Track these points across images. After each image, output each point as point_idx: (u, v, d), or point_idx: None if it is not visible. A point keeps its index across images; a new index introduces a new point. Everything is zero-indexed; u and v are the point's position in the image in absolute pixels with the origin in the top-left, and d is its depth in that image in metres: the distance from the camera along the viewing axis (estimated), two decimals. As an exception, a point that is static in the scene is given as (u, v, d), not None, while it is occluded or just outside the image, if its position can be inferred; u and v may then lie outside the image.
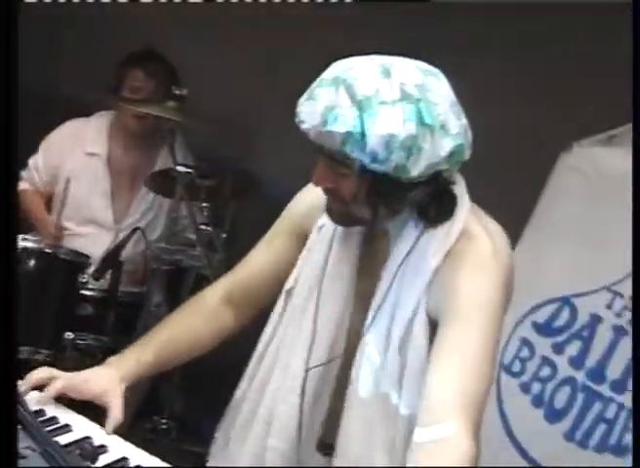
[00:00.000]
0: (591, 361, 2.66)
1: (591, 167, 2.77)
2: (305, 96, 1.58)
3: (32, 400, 1.60)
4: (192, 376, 3.42)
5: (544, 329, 2.74)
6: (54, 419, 1.59)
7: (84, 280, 2.86)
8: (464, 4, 3.23)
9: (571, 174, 2.81)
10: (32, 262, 2.72)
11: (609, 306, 2.67)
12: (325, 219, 1.78)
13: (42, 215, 3.50)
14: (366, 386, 1.69)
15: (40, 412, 1.58)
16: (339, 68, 1.56)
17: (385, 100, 1.50)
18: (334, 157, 1.57)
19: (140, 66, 3.37)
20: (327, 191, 1.68)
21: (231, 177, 3.35)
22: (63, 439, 1.51)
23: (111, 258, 2.95)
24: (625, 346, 2.62)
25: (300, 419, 1.78)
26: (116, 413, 1.65)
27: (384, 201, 1.63)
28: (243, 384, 1.92)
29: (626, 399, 2.59)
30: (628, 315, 2.62)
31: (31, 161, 3.50)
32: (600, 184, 2.74)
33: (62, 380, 1.67)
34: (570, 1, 2.91)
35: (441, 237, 1.65)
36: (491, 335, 1.59)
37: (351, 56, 1.58)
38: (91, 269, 2.90)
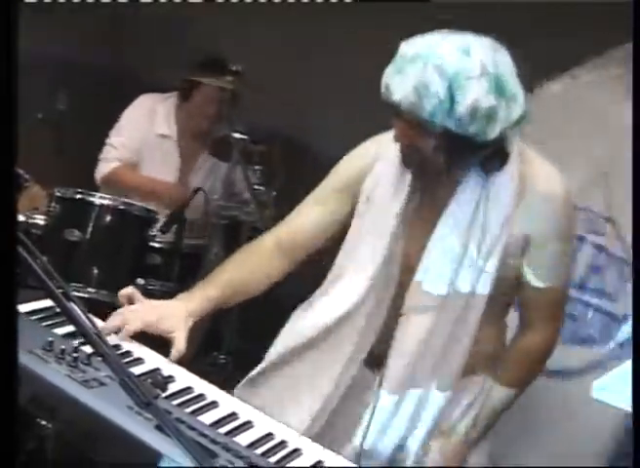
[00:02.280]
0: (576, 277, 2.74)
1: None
2: (392, 70, 1.63)
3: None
4: (247, 318, 3.45)
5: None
6: (128, 353, 1.62)
7: (153, 233, 2.88)
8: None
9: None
10: (108, 218, 2.75)
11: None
12: (378, 171, 1.83)
13: (157, 181, 3.41)
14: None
15: (117, 347, 1.61)
16: (420, 46, 1.62)
17: (470, 75, 1.57)
18: (419, 122, 1.62)
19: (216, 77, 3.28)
20: (407, 147, 1.72)
21: (280, 143, 3.35)
22: (137, 370, 1.54)
23: (176, 215, 2.96)
24: (584, 252, 2.77)
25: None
26: (179, 346, 1.68)
27: (460, 157, 1.70)
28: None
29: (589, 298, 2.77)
30: (586, 226, 2.76)
31: (114, 140, 3.42)
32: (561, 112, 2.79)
33: (140, 321, 1.68)
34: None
35: (504, 186, 1.73)
36: None
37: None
38: (159, 224, 2.92)
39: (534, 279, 1.79)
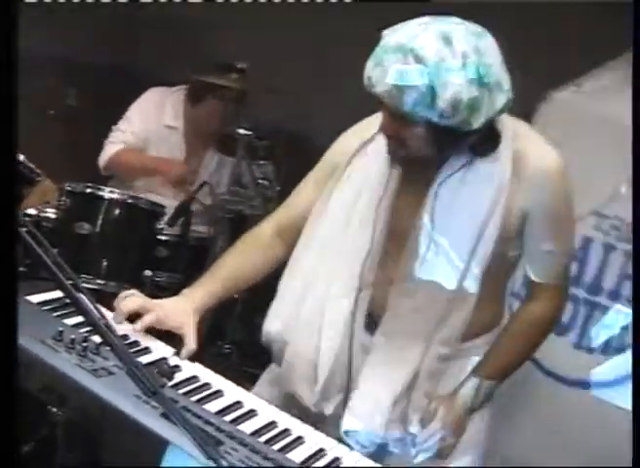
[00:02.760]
0: (588, 277, 2.68)
1: (566, 112, 2.75)
2: (372, 62, 1.57)
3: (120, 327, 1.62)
4: (251, 308, 3.45)
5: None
6: (136, 343, 1.63)
7: (160, 226, 2.88)
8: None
9: (549, 120, 2.76)
10: (117, 211, 2.74)
11: (597, 228, 2.69)
12: (365, 156, 1.80)
13: (162, 159, 3.40)
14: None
15: (124, 337, 1.61)
16: (400, 36, 1.55)
17: (451, 67, 1.51)
18: (402, 115, 1.58)
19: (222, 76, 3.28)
20: (392, 138, 1.68)
21: (285, 138, 3.36)
22: (144, 359, 1.55)
23: (183, 208, 2.97)
24: (615, 260, 2.68)
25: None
26: (190, 344, 1.68)
27: (445, 148, 1.66)
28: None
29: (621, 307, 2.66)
30: (615, 233, 2.67)
31: (122, 126, 3.41)
32: (577, 126, 2.71)
33: (150, 317, 1.68)
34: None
35: (498, 162, 1.69)
36: None
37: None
38: (166, 217, 2.93)
39: (535, 256, 1.78)
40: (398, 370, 1.78)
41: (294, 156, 3.51)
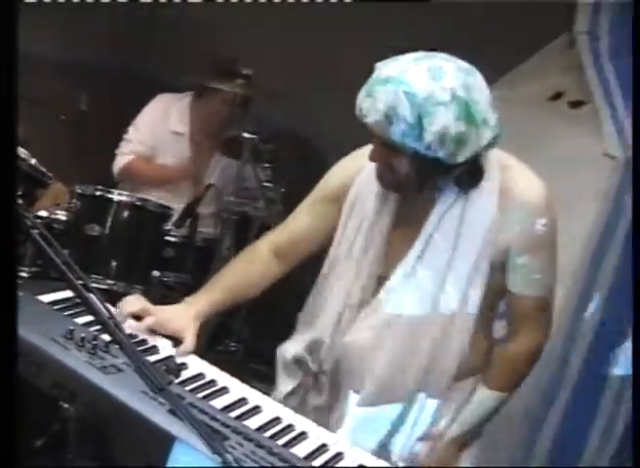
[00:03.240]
0: None
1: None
2: (364, 93, 1.59)
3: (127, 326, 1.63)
4: (257, 308, 3.46)
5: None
6: (144, 341, 1.63)
7: (168, 228, 2.89)
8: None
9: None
10: (126, 213, 2.76)
11: None
12: (360, 181, 1.81)
13: (170, 167, 3.45)
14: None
15: (133, 336, 1.61)
16: (391, 69, 1.57)
17: (439, 102, 1.52)
18: (391, 144, 1.60)
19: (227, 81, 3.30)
20: (380, 165, 1.69)
21: (289, 142, 3.36)
22: (152, 357, 1.55)
23: (190, 210, 2.98)
24: None
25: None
26: (187, 347, 1.67)
27: (431, 178, 1.67)
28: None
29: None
30: None
31: (131, 135, 3.44)
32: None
33: (152, 318, 1.68)
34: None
35: (485, 198, 1.69)
36: None
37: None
38: (173, 219, 2.93)
39: (516, 289, 1.76)
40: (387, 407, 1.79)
41: (298, 159, 3.53)
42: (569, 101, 2.86)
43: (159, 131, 3.43)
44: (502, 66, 3.09)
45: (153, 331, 1.67)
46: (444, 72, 1.55)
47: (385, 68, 1.58)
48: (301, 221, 1.92)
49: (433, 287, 1.73)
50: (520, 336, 1.82)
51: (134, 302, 1.72)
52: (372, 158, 1.69)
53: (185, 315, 1.74)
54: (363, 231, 1.80)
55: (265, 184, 3.27)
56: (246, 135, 3.21)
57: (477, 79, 1.59)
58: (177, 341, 1.67)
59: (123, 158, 3.42)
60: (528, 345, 1.83)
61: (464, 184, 1.69)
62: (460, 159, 1.59)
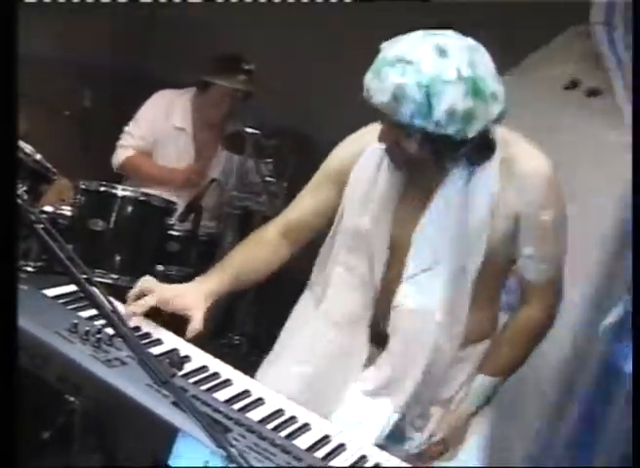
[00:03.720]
0: None
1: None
2: (371, 74, 1.59)
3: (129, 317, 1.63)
4: (261, 300, 3.47)
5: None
6: (147, 334, 1.63)
7: (171, 222, 2.89)
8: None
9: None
10: (130, 208, 2.75)
11: None
12: (362, 160, 1.83)
13: (168, 169, 3.43)
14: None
15: (136, 329, 1.62)
16: (398, 49, 1.57)
17: (447, 80, 1.53)
18: (399, 123, 1.60)
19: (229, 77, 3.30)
20: (390, 146, 1.70)
21: (291, 137, 3.37)
22: (155, 350, 1.55)
23: (193, 205, 2.97)
24: None
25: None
26: (196, 324, 1.68)
27: (442, 155, 1.67)
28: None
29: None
30: None
31: (132, 129, 3.44)
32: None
33: (157, 295, 1.68)
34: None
35: (488, 170, 1.71)
36: None
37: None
38: (177, 213, 2.93)
39: (527, 256, 1.77)
40: (403, 382, 1.81)
41: (300, 154, 3.52)
42: (586, 89, 2.82)
43: (161, 126, 3.43)
44: (502, 66, 3.07)
45: (161, 310, 1.67)
46: (450, 49, 1.55)
47: (392, 48, 1.58)
48: (306, 203, 1.93)
49: (440, 254, 1.75)
50: (531, 306, 1.85)
51: (144, 280, 1.72)
52: (380, 138, 1.70)
53: (196, 292, 1.74)
54: (370, 209, 1.80)
55: (268, 179, 3.28)
56: (248, 130, 3.21)
57: (482, 55, 1.60)
58: (184, 322, 1.67)
59: (123, 152, 3.42)
60: (540, 312, 1.86)
61: (475, 158, 1.70)
62: (470, 134, 1.59)
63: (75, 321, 1.45)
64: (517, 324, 1.87)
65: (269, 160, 3.31)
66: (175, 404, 1.26)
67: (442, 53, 1.54)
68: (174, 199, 3.00)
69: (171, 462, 1.23)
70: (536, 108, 2.69)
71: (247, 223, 3.36)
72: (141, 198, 2.79)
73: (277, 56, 3.75)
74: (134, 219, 2.76)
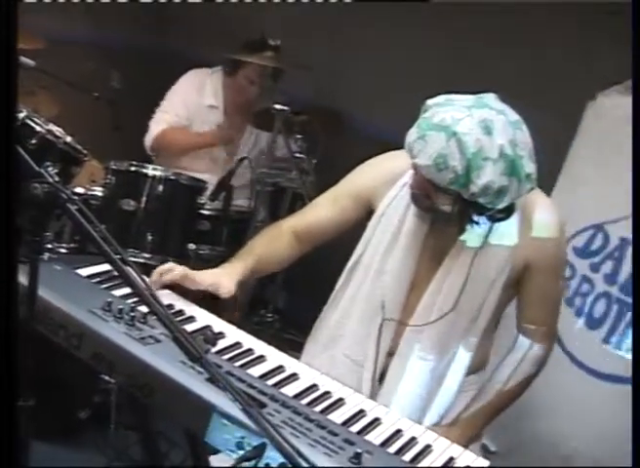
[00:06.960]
0: (622, 277, 2.58)
1: (614, 113, 2.62)
2: (415, 134, 1.63)
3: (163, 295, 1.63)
4: (292, 279, 3.47)
5: (582, 251, 2.67)
6: (181, 312, 1.64)
7: (202, 201, 2.89)
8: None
9: (597, 120, 2.68)
10: (160, 188, 2.75)
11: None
12: (395, 193, 1.85)
13: (204, 133, 3.44)
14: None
15: (170, 306, 1.62)
16: (445, 116, 1.60)
17: (488, 157, 1.57)
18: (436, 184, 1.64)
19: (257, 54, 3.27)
20: (419, 192, 1.73)
21: (320, 113, 3.34)
22: (189, 327, 1.56)
23: (224, 183, 2.97)
24: None
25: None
26: (228, 285, 1.70)
27: (468, 214, 1.71)
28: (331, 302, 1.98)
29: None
30: None
31: (165, 107, 3.43)
32: (622, 127, 2.60)
33: (180, 271, 1.69)
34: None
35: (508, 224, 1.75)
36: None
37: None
38: (208, 192, 2.93)
39: (530, 294, 1.84)
40: (409, 403, 1.84)
41: (330, 130, 3.50)
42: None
43: (193, 105, 3.43)
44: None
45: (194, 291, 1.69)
46: (495, 127, 1.58)
47: (439, 112, 1.61)
48: (322, 212, 1.95)
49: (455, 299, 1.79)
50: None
51: (168, 264, 1.72)
52: (413, 186, 1.74)
53: (219, 272, 1.76)
54: (394, 247, 1.84)
55: (298, 155, 3.25)
56: (278, 106, 3.19)
57: (524, 133, 1.64)
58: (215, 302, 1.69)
59: (157, 126, 3.40)
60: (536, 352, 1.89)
61: (497, 218, 1.72)
62: (499, 207, 1.65)
63: (109, 299, 1.46)
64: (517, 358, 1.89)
65: (299, 136, 3.28)
66: (209, 380, 1.26)
67: (487, 129, 1.57)
68: (205, 177, 3.00)
69: (206, 438, 1.24)
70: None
71: (278, 200, 3.35)
72: (172, 177, 2.79)
73: (307, 30, 3.72)
74: (165, 199, 2.77)
